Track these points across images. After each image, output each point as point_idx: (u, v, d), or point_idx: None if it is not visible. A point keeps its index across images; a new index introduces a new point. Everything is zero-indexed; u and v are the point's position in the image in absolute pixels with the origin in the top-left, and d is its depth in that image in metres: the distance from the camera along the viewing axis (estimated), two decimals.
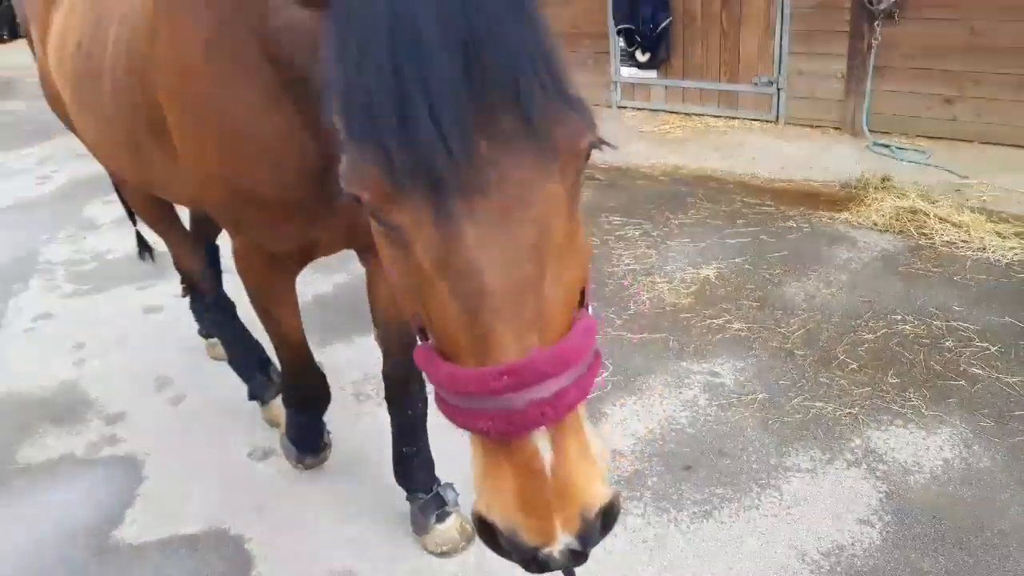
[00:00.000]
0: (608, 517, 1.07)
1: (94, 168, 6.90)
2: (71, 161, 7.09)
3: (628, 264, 4.40)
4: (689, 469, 2.82)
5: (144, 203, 3.02)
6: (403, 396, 2.42)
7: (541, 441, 1.00)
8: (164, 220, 3.12)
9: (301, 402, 2.63)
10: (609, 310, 3.91)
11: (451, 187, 0.92)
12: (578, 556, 1.04)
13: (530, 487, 1.00)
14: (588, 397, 1.03)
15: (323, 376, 2.63)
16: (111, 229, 5.45)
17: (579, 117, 0.98)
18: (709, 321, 3.74)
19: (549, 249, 0.99)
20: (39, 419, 3.37)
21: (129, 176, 2.59)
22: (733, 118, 6.57)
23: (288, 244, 2.04)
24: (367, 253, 2.25)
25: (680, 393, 3.24)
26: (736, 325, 3.69)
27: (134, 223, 3.47)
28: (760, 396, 3.17)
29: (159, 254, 3.82)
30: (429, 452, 2.53)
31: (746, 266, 4.26)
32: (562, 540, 1.01)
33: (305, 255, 2.15)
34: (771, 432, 2.96)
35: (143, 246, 3.64)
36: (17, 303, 4.47)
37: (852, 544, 2.44)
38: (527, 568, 1.06)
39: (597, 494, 1.03)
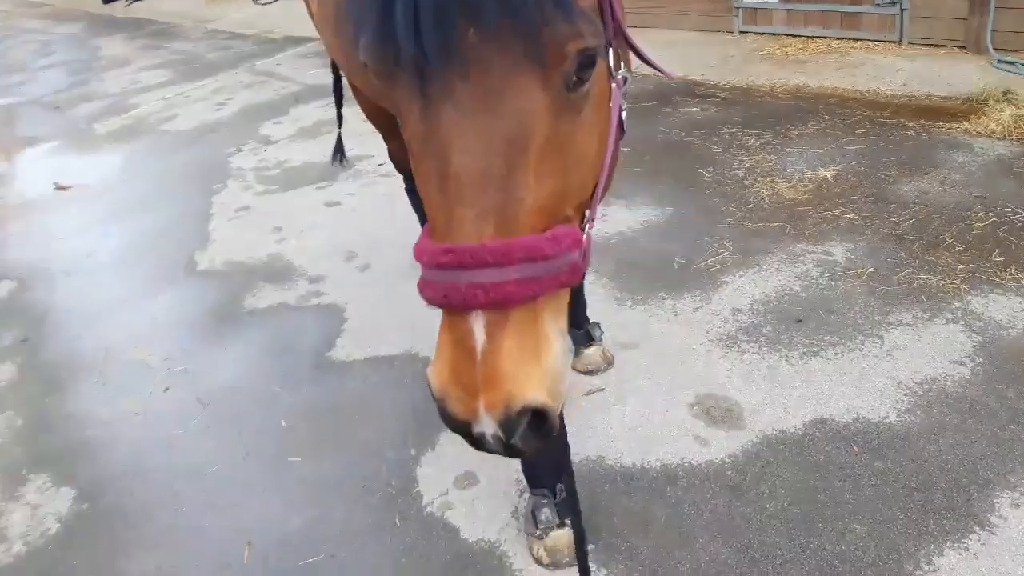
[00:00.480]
0: (541, 424, 1.09)
1: (262, 96, 7.80)
2: (242, 90, 7.99)
3: (748, 167, 4.79)
4: (800, 322, 3.27)
5: (372, 109, 3.33)
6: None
7: (479, 323, 1.04)
8: (388, 125, 3.37)
9: None
10: (729, 204, 4.35)
11: (433, 71, 0.98)
12: (511, 448, 1.09)
13: (462, 363, 1.05)
14: (539, 296, 1.07)
15: None
16: (286, 144, 6.27)
17: (568, 21, 0.99)
18: (824, 212, 4.12)
19: (522, 147, 1.02)
20: (255, 279, 4.16)
21: (364, 88, 2.95)
22: (856, 39, 6.70)
23: None
24: None
25: (794, 268, 3.67)
26: (850, 215, 4.06)
27: (339, 125, 4.05)
28: (869, 270, 3.56)
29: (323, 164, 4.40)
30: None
31: (863, 168, 4.57)
32: (486, 422, 1.06)
33: None
34: (877, 296, 3.36)
35: (339, 151, 4.24)
36: (220, 199, 5.33)
37: (944, 377, 2.85)
38: (470, 442, 1.13)
39: (525, 391, 1.04)
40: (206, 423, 3.13)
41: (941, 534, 2.24)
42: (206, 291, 4.14)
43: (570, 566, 2.29)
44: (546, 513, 2.34)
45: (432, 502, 2.61)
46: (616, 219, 4.34)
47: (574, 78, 1.04)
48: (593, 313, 3.20)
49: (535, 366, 1.06)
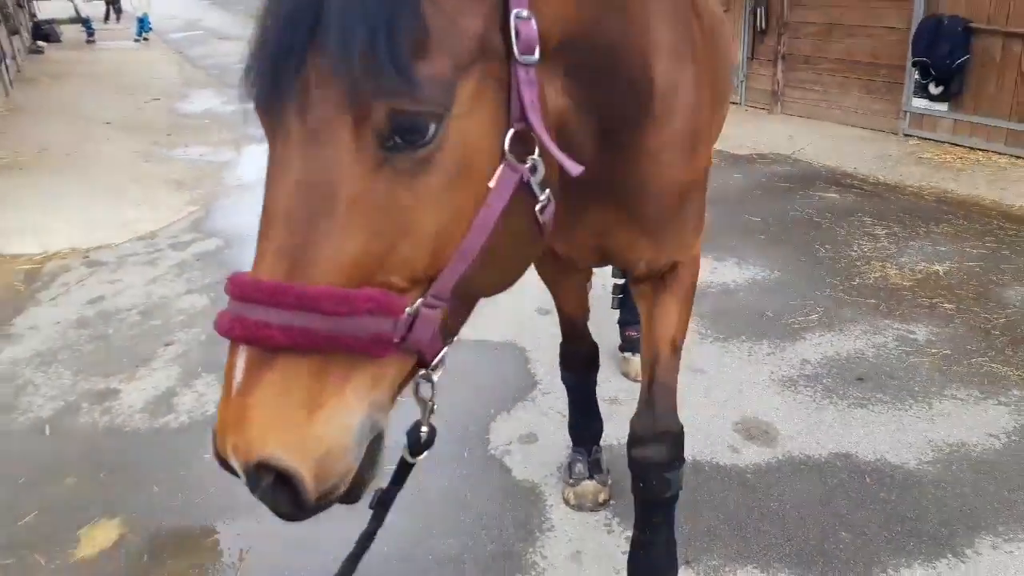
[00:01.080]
0: (293, 491, 0.99)
1: None
2: None
3: (865, 252, 5.07)
4: (861, 380, 3.58)
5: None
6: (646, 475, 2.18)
7: (242, 360, 1.00)
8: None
9: (571, 361, 2.83)
10: (834, 279, 4.67)
11: (274, 109, 1.03)
12: (265, 498, 1.01)
13: (225, 397, 1.01)
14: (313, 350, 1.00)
15: (594, 346, 2.79)
16: None
17: (384, 77, 0.97)
18: (922, 299, 4.36)
19: (325, 195, 1.00)
20: None
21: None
22: (1018, 156, 6.74)
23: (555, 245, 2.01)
24: (641, 280, 2.05)
25: (873, 338, 3.96)
26: (947, 306, 4.28)
27: None
28: (945, 352, 3.80)
29: None
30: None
31: (976, 270, 4.74)
32: (234, 463, 1.00)
33: (571, 263, 2.16)
34: (942, 373, 3.60)
35: None
36: None
37: (975, 444, 3.09)
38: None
39: (266, 444, 0.97)
40: None
41: (916, 554, 2.55)
42: None
43: (591, 511, 2.80)
44: (579, 467, 2.86)
45: (496, 448, 3.19)
46: (724, 273, 4.79)
47: (395, 139, 1.01)
48: None
49: (296, 424, 0.98)
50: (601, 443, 2.96)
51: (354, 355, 1.02)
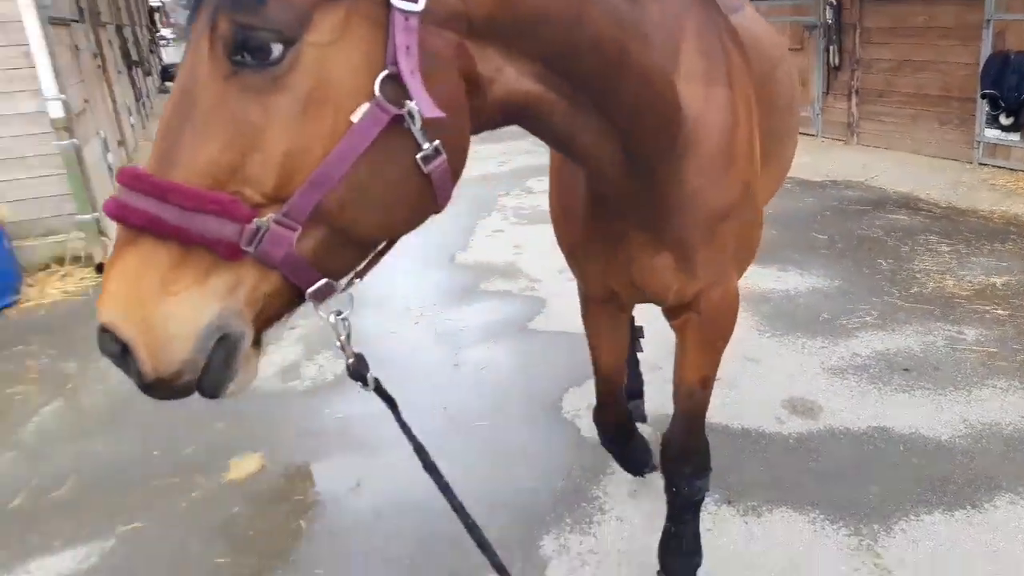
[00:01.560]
0: (137, 359, 1.09)
1: (536, 161, 9.49)
2: (521, 155, 9.77)
3: (927, 266, 5.35)
4: (907, 371, 3.91)
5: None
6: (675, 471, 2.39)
7: (118, 237, 1.12)
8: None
9: (603, 427, 2.86)
10: (893, 288, 4.98)
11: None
12: (127, 371, 1.12)
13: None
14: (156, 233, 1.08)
15: (627, 413, 2.85)
16: (541, 194, 7.76)
17: None
18: (976, 306, 4.63)
19: (186, 102, 1.11)
20: (492, 274, 5.55)
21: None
22: None
23: (594, 286, 2.25)
24: (674, 316, 2.13)
25: (924, 338, 4.27)
26: (1000, 312, 4.54)
27: None
28: (992, 350, 4.07)
29: None
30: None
31: None
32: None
33: (616, 300, 2.27)
34: (987, 367, 3.89)
35: None
36: (484, 222, 6.91)
37: (1008, 424, 3.38)
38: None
39: (110, 308, 1.08)
40: (439, 343, 4.47)
41: (939, 504, 2.89)
42: (458, 275, 5.61)
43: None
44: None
45: (568, 412, 3.67)
46: (787, 281, 5.16)
47: (243, 54, 1.09)
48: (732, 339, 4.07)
49: (143, 300, 1.08)
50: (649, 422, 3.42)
51: (215, 258, 1.10)
